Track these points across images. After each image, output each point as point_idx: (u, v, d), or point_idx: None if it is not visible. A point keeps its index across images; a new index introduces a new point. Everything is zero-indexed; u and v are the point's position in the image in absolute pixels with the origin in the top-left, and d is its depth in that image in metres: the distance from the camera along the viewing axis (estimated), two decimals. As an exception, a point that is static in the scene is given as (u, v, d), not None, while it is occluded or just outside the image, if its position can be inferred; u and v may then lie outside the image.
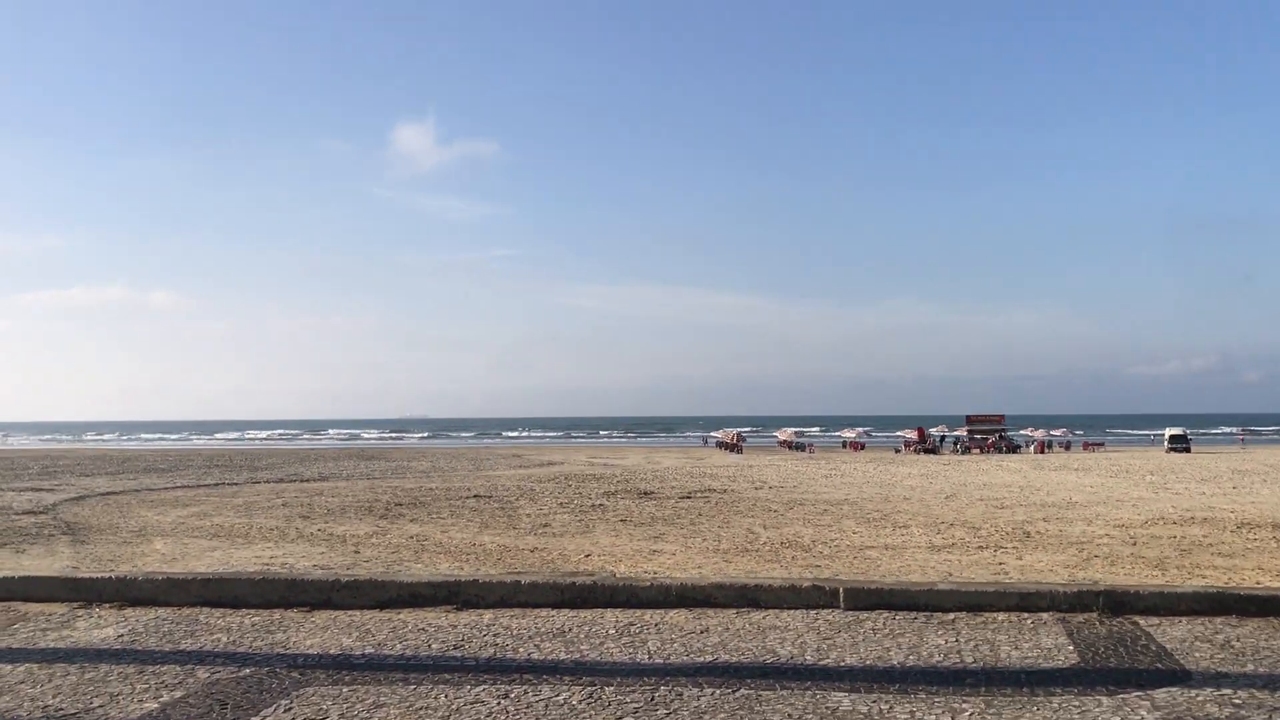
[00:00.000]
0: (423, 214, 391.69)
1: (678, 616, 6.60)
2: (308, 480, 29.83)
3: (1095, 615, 6.35)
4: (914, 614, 6.53)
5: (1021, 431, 76.87)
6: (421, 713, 4.66)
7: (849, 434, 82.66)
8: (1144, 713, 4.48)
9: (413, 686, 5.07)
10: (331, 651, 5.83)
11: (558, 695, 4.87)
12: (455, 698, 4.87)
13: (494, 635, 6.18)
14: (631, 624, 6.40)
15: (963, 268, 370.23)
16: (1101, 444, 75.61)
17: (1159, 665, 5.26)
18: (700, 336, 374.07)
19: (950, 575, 10.48)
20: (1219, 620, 6.23)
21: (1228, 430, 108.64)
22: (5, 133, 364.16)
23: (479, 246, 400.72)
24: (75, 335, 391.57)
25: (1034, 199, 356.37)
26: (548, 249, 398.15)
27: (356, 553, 12.32)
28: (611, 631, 6.22)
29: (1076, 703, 4.63)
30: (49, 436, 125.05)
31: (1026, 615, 6.44)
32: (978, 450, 64.70)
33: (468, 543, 13.62)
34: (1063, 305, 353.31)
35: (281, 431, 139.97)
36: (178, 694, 4.97)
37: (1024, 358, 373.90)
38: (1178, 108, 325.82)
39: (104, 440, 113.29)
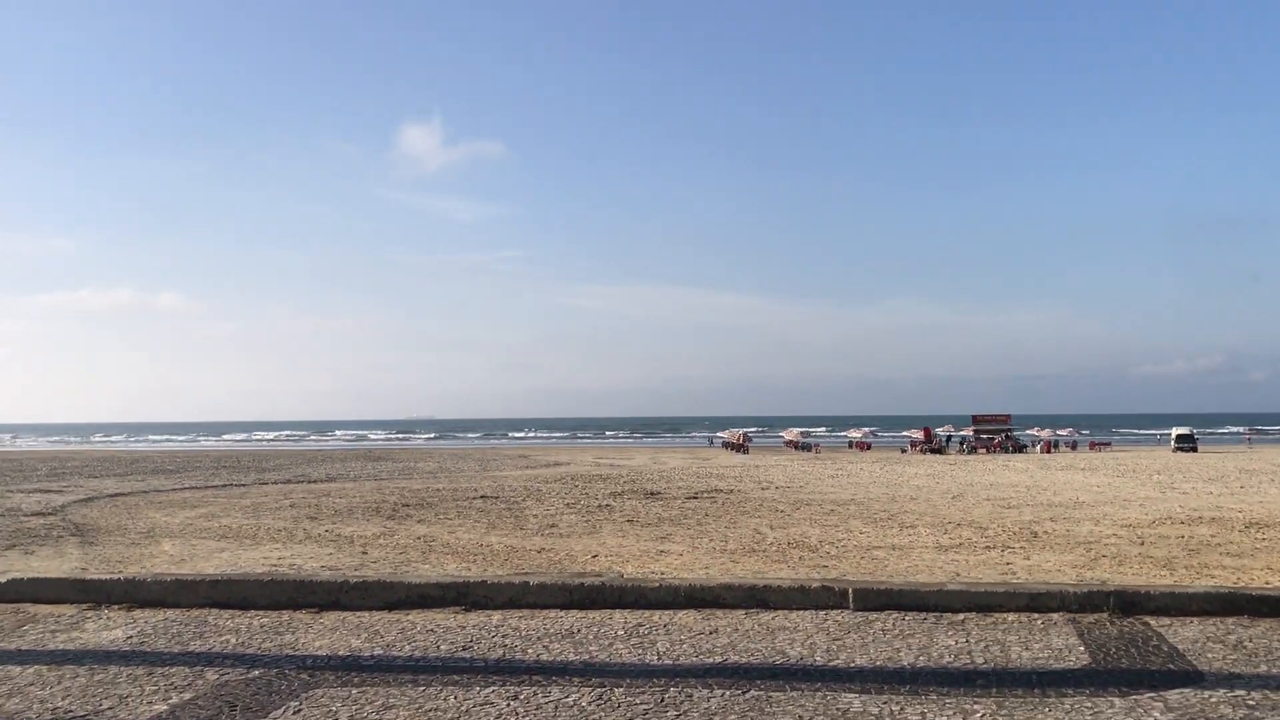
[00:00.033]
0: (429, 215, 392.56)
1: (686, 617, 6.58)
2: (315, 481, 29.86)
3: (1106, 616, 6.32)
4: (923, 614, 6.50)
5: (1027, 431, 76.73)
6: (431, 714, 4.65)
7: (855, 434, 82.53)
8: (1157, 714, 4.45)
9: (422, 688, 5.06)
10: (340, 653, 5.82)
11: (567, 697, 4.86)
12: (464, 699, 4.85)
13: (503, 636, 6.16)
14: (640, 625, 6.39)
15: (968, 267, 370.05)
16: (1107, 444, 75.42)
17: (1171, 666, 5.23)
18: (706, 337, 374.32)
19: (958, 575, 10.45)
20: (1231, 621, 6.19)
21: (1234, 430, 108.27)
22: (13, 135, 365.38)
23: (485, 247, 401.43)
24: (83, 337, 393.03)
25: (1038, 198, 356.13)
26: (553, 249, 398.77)
27: (364, 553, 12.33)
28: (620, 632, 6.20)
29: (1089, 704, 4.60)
30: (57, 438, 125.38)
31: (1036, 616, 6.41)
32: (984, 450, 64.59)
33: (475, 543, 13.62)
34: (1068, 305, 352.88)
35: (289, 433, 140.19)
36: (187, 696, 4.97)
37: (1029, 357, 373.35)
38: (1183, 107, 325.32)
39: (112, 442, 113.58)
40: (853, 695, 4.79)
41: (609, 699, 4.81)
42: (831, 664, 5.40)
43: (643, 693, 4.90)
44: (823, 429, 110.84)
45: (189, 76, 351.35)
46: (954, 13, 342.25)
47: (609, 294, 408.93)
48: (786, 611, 6.67)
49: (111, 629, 6.53)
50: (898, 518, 17.56)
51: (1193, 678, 5.00)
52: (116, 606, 7.18)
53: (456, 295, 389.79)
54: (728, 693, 4.87)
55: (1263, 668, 5.16)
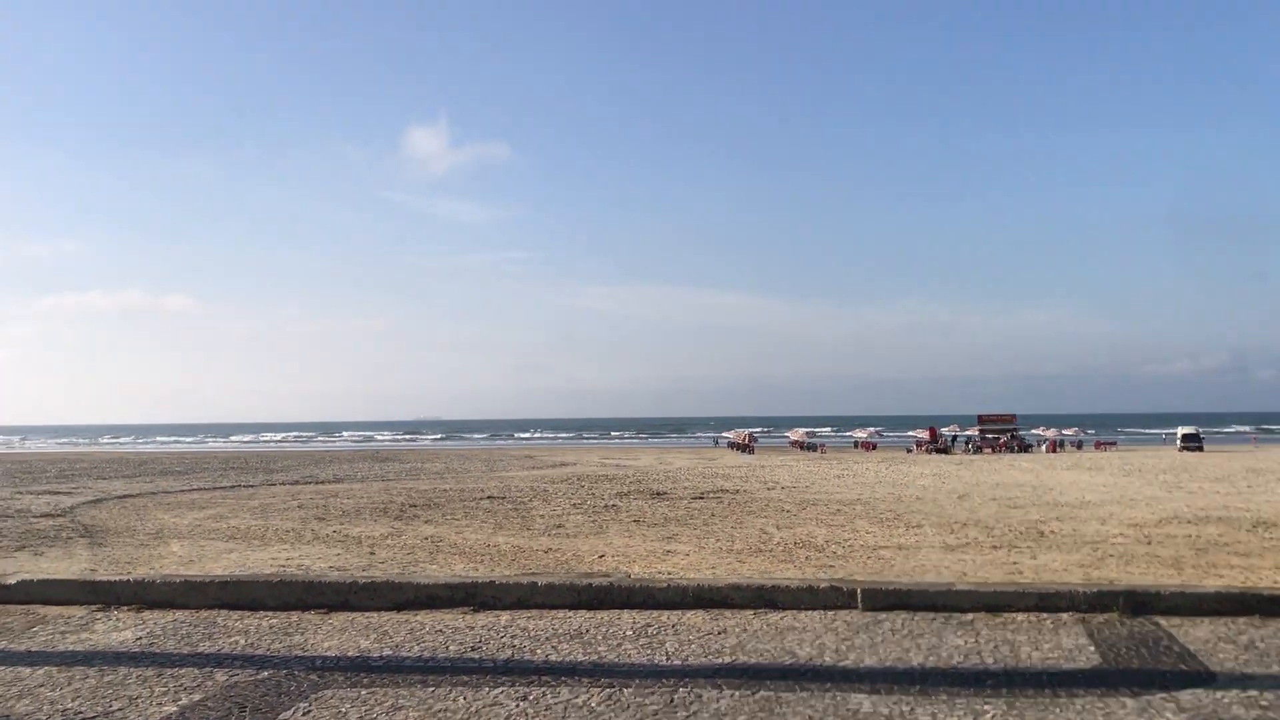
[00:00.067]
0: (435, 217, 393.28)
1: (695, 617, 6.58)
2: (323, 482, 29.88)
3: (1116, 615, 6.30)
4: (932, 615, 6.49)
5: (1033, 431, 76.55)
6: (440, 715, 4.65)
7: (860, 434, 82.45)
8: (1170, 714, 4.44)
9: (431, 688, 5.07)
10: (349, 653, 5.83)
11: (576, 697, 4.86)
12: (474, 699, 4.86)
13: (511, 637, 6.17)
14: (649, 625, 6.39)
15: (973, 267, 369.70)
16: (1113, 443, 75.22)
17: (1182, 666, 5.22)
18: (711, 337, 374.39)
19: (965, 575, 10.42)
20: (1242, 621, 6.18)
21: (1240, 429, 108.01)
22: (21, 138, 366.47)
23: (491, 249, 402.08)
24: (92, 339, 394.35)
25: (1043, 198, 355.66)
26: (559, 251, 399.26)
27: (372, 554, 12.33)
28: (629, 633, 6.20)
29: (1100, 704, 4.59)
30: (66, 440, 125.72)
31: (1046, 616, 6.40)
32: (989, 450, 64.44)
33: (482, 544, 13.61)
34: (1073, 304, 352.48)
35: (296, 434, 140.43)
36: (196, 697, 4.98)
37: (1035, 357, 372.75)
38: (1190, 106, 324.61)
39: (120, 443, 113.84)
40: (863, 696, 4.79)
41: (618, 699, 4.81)
42: (841, 664, 5.39)
43: (652, 693, 4.90)
44: (828, 429, 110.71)
45: (196, 80, 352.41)
46: (962, 13, 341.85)
47: (614, 295, 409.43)
48: (795, 612, 6.66)
49: (121, 630, 6.55)
50: (904, 517, 17.51)
51: (1205, 678, 4.99)
52: (126, 608, 7.19)
53: (462, 297, 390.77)
54: (737, 693, 4.87)
55: (1275, 668, 5.14)
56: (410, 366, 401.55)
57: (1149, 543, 13.42)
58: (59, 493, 24.58)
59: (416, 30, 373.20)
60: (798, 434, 79.55)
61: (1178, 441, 63.04)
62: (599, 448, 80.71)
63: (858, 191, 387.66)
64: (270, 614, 6.95)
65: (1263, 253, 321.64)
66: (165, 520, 17.16)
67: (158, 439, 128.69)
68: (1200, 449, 59.23)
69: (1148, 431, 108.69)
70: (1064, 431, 75.87)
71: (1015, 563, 11.55)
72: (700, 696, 4.83)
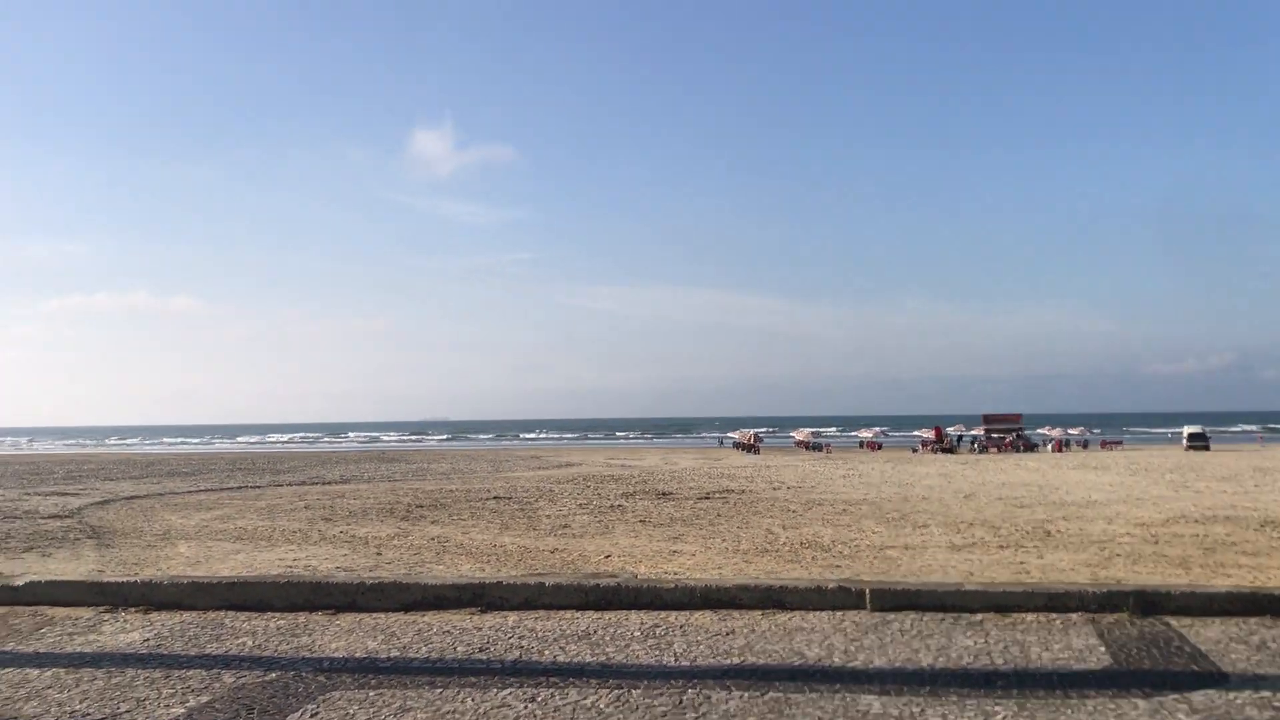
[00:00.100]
0: (440, 219, 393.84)
1: (702, 618, 6.56)
2: (329, 483, 29.92)
3: (1126, 616, 6.27)
4: (941, 615, 6.47)
5: (1039, 430, 76.40)
6: (448, 716, 4.64)
7: (866, 434, 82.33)
8: (1182, 716, 4.41)
9: (439, 690, 5.05)
10: (357, 655, 5.82)
11: (585, 698, 4.84)
12: (482, 701, 4.84)
13: (519, 638, 6.15)
14: (656, 626, 6.37)
15: (978, 267, 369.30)
16: (1119, 442, 75.02)
17: (1194, 667, 5.19)
18: (716, 337, 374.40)
19: (972, 575, 10.40)
20: (1253, 621, 6.14)
21: (1246, 428, 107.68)
22: (27, 140, 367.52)
23: (497, 250, 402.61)
24: (98, 340, 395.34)
25: (1049, 198, 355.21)
26: (564, 252, 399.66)
27: (379, 554, 12.33)
28: (636, 633, 6.18)
29: (1112, 705, 4.56)
30: (73, 441, 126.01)
31: (1055, 616, 6.37)
32: (995, 449, 64.31)
33: (489, 544, 13.61)
34: (1079, 304, 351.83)
35: (303, 435, 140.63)
36: (204, 699, 4.97)
37: (1040, 357, 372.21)
38: (1197, 105, 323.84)
39: (127, 444, 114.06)
40: (872, 697, 4.77)
41: (627, 701, 4.79)
42: (850, 665, 5.37)
43: (660, 694, 4.88)
44: (833, 429, 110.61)
45: (203, 82, 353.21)
46: (968, 11, 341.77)
47: (619, 295, 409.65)
48: (803, 612, 6.64)
49: (128, 631, 6.54)
50: (910, 517, 17.48)
51: (1217, 679, 4.95)
52: (133, 609, 7.19)
53: (468, 298, 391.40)
54: (746, 694, 4.85)
55: (1288, 669, 5.12)
56: (416, 367, 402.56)
57: (1156, 542, 13.37)
58: (66, 494, 24.63)
59: (421, 33, 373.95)
60: (803, 434, 79.45)
61: (1184, 441, 62.87)
62: (604, 448, 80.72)
63: (861, 192, 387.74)
64: (277, 615, 6.94)
65: (1269, 252, 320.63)
66: (172, 521, 17.18)
67: (164, 440, 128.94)
68: (1206, 448, 59.04)
69: (1153, 431, 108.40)
70: (1069, 431, 75.65)
71: (1022, 562, 11.52)
72: (709, 698, 4.81)
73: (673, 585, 7.06)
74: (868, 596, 6.69)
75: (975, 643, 5.77)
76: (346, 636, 6.28)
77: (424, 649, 5.93)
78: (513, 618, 6.72)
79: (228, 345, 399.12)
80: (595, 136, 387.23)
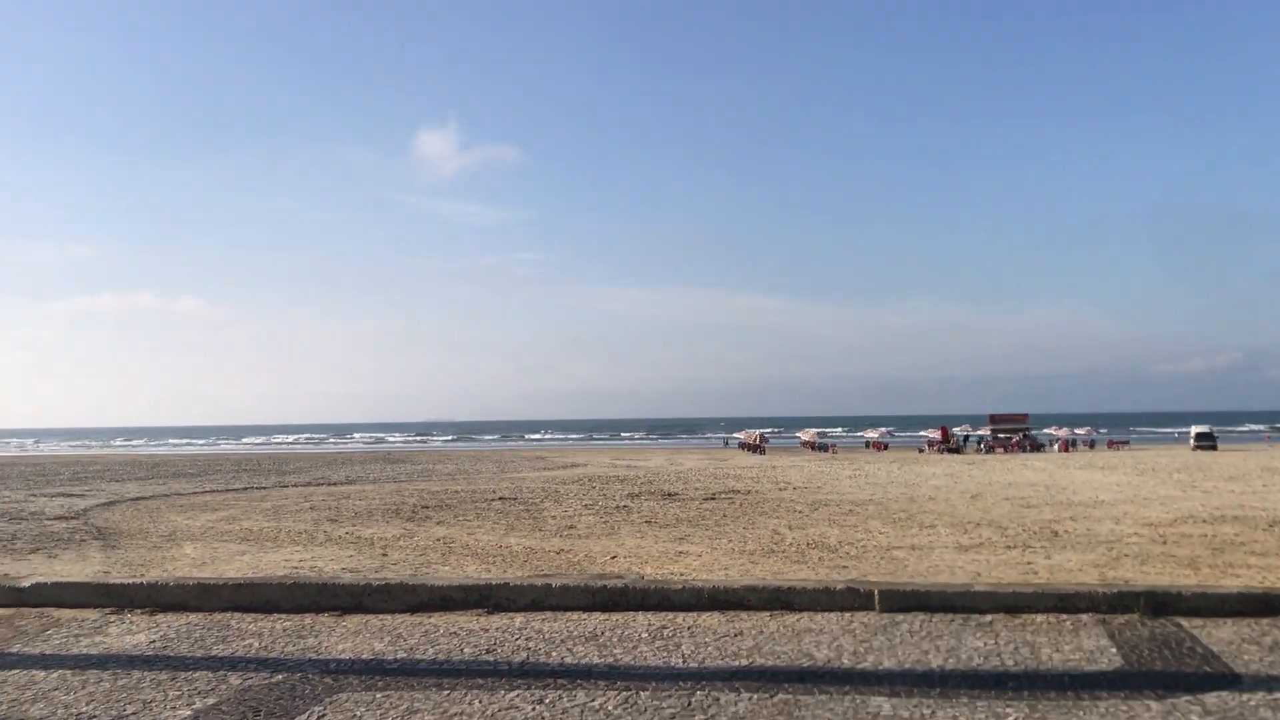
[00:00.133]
0: (445, 219, 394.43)
1: (710, 619, 6.53)
2: (335, 483, 29.93)
3: (1136, 617, 6.23)
4: (950, 616, 6.43)
5: (1045, 430, 76.26)
6: (456, 718, 4.62)
7: (872, 434, 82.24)
8: (1195, 718, 4.37)
9: (446, 692, 5.03)
10: (364, 656, 5.80)
11: (593, 700, 4.82)
12: (489, 703, 4.82)
13: (526, 639, 6.13)
14: (664, 627, 6.34)
15: (984, 267, 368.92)
16: (1126, 442, 74.86)
17: (1206, 668, 5.14)
18: (722, 338, 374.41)
19: (979, 575, 10.36)
20: (1266, 621, 6.09)
21: (1254, 428, 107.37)
22: (34, 143, 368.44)
23: (501, 251, 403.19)
24: (104, 342, 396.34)
25: (1055, 198, 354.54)
26: (568, 252, 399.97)
27: (384, 555, 12.32)
28: (644, 635, 6.16)
29: (1124, 707, 4.52)
30: (79, 442, 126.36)
31: (1065, 617, 6.33)
32: (1002, 449, 64.24)
33: (494, 545, 13.60)
34: (1085, 304, 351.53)
35: (308, 435, 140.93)
36: (210, 701, 4.95)
37: (1047, 357, 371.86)
38: (1204, 104, 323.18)
39: (133, 445, 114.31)
40: (882, 699, 4.73)
41: (635, 702, 4.76)
42: (859, 667, 5.33)
43: (669, 696, 4.85)
44: (839, 429, 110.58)
45: (208, 84, 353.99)
46: (974, 8, 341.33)
47: (624, 296, 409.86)
48: (811, 613, 6.61)
49: (135, 633, 6.53)
50: (917, 518, 17.44)
51: (1229, 680, 4.91)
52: (139, 610, 7.18)
53: (472, 299, 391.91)
54: (755, 696, 4.82)
55: (1301, 670, 5.07)
56: (420, 368, 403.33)
57: (1164, 542, 13.31)
58: (72, 495, 24.66)
59: (425, 34, 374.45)
60: (809, 434, 79.46)
61: (1191, 440, 62.73)
62: (609, 449, 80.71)
63: (866, 192, 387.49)
64: (284, 616, 6.92)
65: (1276, 250, 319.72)
66: (178, 522, 17.18)
67: (170, 441, 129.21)
68: (1214, 448, 58.90)
69: (1160, 430, 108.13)
70: (1076, 431, 75.57)
71: (1030, 563, 11.47)
72: (718, 699, 4.78)
73: (680, 586, 7.03)
74: (876, 597, 6.65)
75: (985, 644, 5.74)
76: (353, 638, 6.26)
77: (431, 650, 5.91)
78: (520, 619, 6.69)
79: (232, 346, 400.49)
80: (599, 137, 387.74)
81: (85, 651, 6.05)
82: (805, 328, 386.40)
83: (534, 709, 4.71)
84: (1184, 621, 6.12)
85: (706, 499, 22.33)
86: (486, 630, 6.40)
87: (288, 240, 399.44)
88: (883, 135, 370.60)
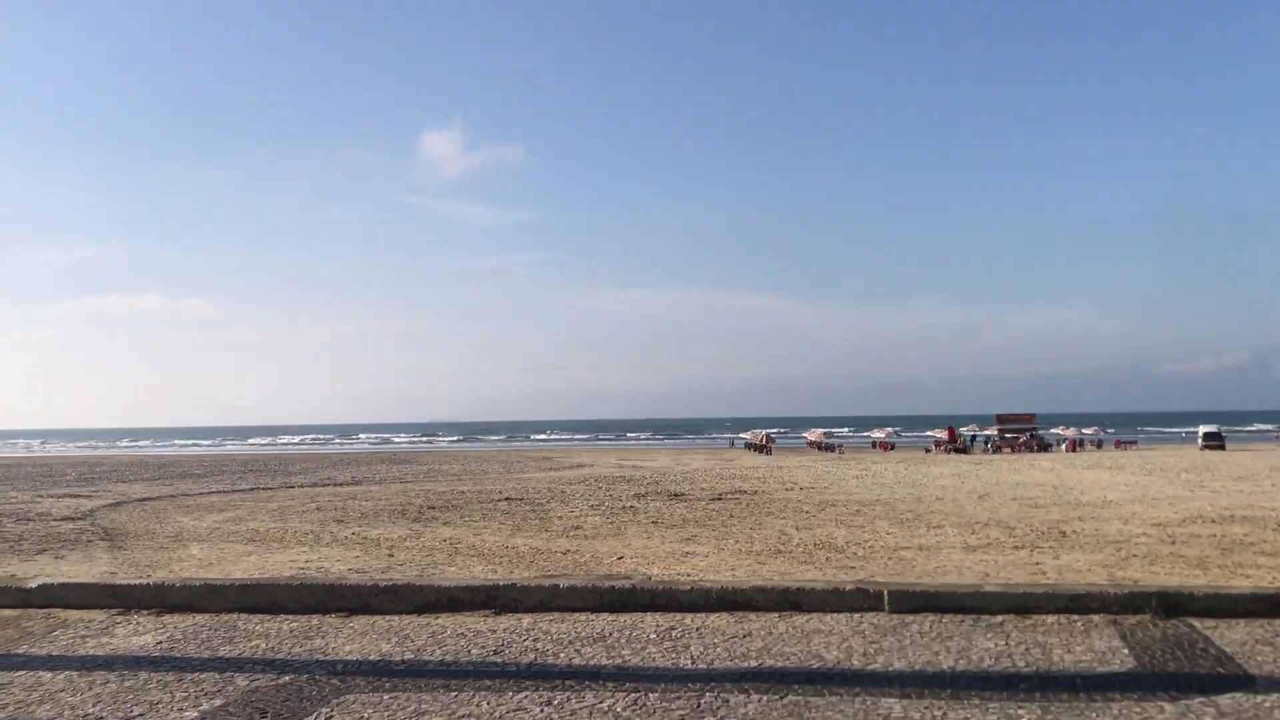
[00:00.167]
0: (450, 220, 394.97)
1: (719, 620, 6.50)
2: (341, 484, 29.93)
3: (1148, 617, 6.19)
4: (960, 616, 6.39)
5: (1052, 430, 76.08)
6: (464, 720, 4.59)
7: (878, 434, 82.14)
8: (1209, 719, 4.33)
9: (454, 693, 5.00)
10: (371, 657, 5.77)
11: (601, 702, 4.79)
12: (498, 704, 4.79)
13: (534, 640, 6.10)
14: (672, 628, 6.31)
15: (991, 268, 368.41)
16: (1134, 442, 74.66)
17: (1220, 669, 5.10)
18: (728, 338, 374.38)
19: (987, 576, 10.30)
20: (1278, 622, 6.05)
21: (1262, 427, 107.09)
22: (40, 143, 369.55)
23: (506, 251, 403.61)
24: (111, 343, 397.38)
25: (1062, 198, 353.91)
26: (574, 253, 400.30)
27: (391, 556, 12.29)
28: (652, 636, 6.13)
29: (1138, 708, 4.49)
30: (86, 443, 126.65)
31: (1076, 618, 6.29)
32: (1009, 449, 64.09)
33: (501, 545, 13.57)
34: (1092, 304, 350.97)
35: (314, 436, 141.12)
36: (217, 702, 4.93)
37: (1054, 357, 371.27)
38: (1209, 103, 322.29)
39: (139, 446, 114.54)
40: (893, 700, 4.70)
41: (644, 704, 4.73)
42: (869, 668, 5.30)
43: (678, 698, 4.82)
44: (846, 429, 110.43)
45: (213, 86, 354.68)
46: (981, 14, 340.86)
47: (629, 296, 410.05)
48: (820, 614, 6.57)
49: (141, 634, 6.52)
50: (924, 518, 17.38)
51: (1244, 682, 4.87)
52: (146, 611, 7.17)
53: (478, 300, 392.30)
54: (765, 697, 4.79)
55: (1315, 671, 5.03)
56: (426, 369, 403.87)
57: (1173, 542, 13.24)
58: (79, 496, 24.69)
59: (431, 35, 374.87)
60: (815, 434, 79.38)
61: (1199, 440, 62.56)
62: (615, 449, 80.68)
63: (871, 193, 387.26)
64: (290, 617, 6.90)
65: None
66: (184, 523, 17.19)
67: (176, 442, 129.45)
68: (1222, 447, 58.72)
69: (1168, 430, 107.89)
70: (1084, 431, 75.39)
71: (1038, 563, 11.42)
72: (727, 701, 4.75)
73: (688, 587, 7.00)
74: (886, 598, 6.62)
75: (996, 645, 5.70)
76: (360, 639, 6.24)
77: (438, 651, 5.88)
78: (527, 620, 6.67)
79: (239, 347, 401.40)
80: (605, 137, 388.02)
81: (92, 652, 6.04)
82: (812, 328, 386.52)
83: (542, 710, 4.69)
84: (1196, 622, 6.08)
85: (713, 499, 22.28)
86: (494, 631, 6.38)
87: (295, 242, 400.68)
88: (891, 136, 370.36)
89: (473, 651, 5.87)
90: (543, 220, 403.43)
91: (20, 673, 5.54)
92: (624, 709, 4.67)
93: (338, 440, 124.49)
